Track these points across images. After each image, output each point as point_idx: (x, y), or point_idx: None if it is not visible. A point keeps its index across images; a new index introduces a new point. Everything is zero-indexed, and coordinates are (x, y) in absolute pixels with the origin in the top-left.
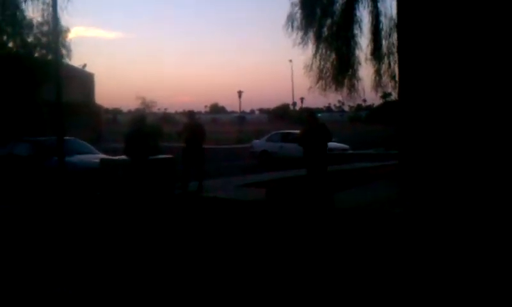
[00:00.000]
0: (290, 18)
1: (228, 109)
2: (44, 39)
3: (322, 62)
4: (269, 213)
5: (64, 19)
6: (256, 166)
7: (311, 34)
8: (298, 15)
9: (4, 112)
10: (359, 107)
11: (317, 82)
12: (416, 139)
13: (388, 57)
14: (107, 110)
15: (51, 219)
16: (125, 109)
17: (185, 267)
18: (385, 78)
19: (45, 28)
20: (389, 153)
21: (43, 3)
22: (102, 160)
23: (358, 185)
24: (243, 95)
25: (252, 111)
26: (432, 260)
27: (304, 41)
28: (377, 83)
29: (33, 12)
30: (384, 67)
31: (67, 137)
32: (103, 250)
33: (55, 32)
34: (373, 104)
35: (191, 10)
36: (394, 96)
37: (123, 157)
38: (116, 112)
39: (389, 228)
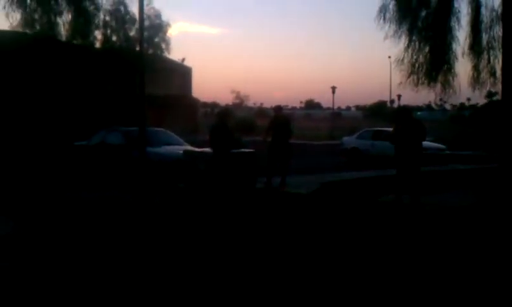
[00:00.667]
0: (383, 9)
1: (324, 105)
2: (146, 34)
3: (414, 56)
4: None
5: (167, 13)
6: (346, 164)
7: (404, 26)
8: (391, 6)
9: (106, 104)
10: (462, 106)
11: (409, 76)
12: None
13: (488, 52)
14: (204, 104)
15: (130, 210)
16: (222, 103)
17: (256, 263)
18: (484, 75)
19: (147, 23)
20: (489, 156)
21: None
22: (184, 151)
23: (451, 189)
24: (339, 91)
25: (348, 108)
26: None
27: (396, 34)
28: (475, 79)
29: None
30: (483, 62)
31: (156, 128)
32: (176, 244)
33: (141, 25)
34: (477, 104)
35: (290, 6)
36: (499, 95)
37: (207, 149)
38: (213, 106)
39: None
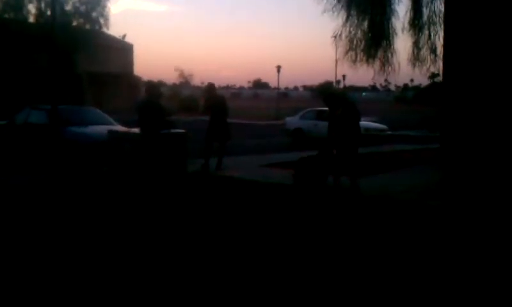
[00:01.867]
0: None
1: (272, 85)
2: (83, 8)
3: (352, 31)
4: (287, 198)
5: None
6: (289, 145)
7: (342, 0)
8: None
9: (37, 81)
10: (405, 87)
11: (347, 53)
12: (461, 120)
13: (429, 28)
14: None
15: (48, 193)
16: (168, 81)
17: (183, 257)
18: (424, 52)
19: None
20: (432, 136)
21: None
22: (109, 131)
23: (392, 169)
24: (286, 71)
25: (296, 88)
26: (471, 264)
27: (335, 8)
28: (415, 57)
29: None
30: (423, 39)
31: (84, 107)
32: (95, 233)
33: None
34: (420, 84)
35: None
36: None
37: (135, 129)
38: (159, 85)
39: (421, 222)
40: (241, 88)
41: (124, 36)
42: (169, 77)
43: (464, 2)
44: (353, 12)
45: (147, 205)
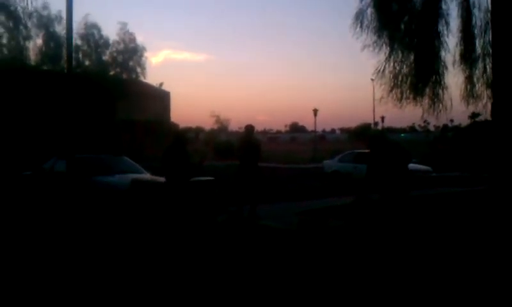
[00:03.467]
0: (360, 15)
1: (308, 128)
2: (120, 58)
3: (397, 67)
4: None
5: (153, 42)
6: (327, 188)
7: (384, 33)
8: (369, 11)
9: (80, 131)
10: (445, 127)
11: (391, 90)
12: None
13: (484, 60)
14: (189, 129)
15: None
16: (205, 127)
17: None
18: (479, 87)
19: (121, 46)
20: (477, 176)
21: (120, 22)
22: (132, 179)
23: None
24: (322, 114)
25: (333, 130)
26: None
27: (377, 43)
28: (468, 92)
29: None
30: (477, 72)
31: (113, 155)
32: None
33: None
34: (460, 124)
35: (269, 29)
36: (484, 115)
37: (160, 178)
38: (198, 130)
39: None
40: (278, 132)
41: (161, 84)
42: (207, 123)
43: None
44: (397, 46)
45: (172, 259)
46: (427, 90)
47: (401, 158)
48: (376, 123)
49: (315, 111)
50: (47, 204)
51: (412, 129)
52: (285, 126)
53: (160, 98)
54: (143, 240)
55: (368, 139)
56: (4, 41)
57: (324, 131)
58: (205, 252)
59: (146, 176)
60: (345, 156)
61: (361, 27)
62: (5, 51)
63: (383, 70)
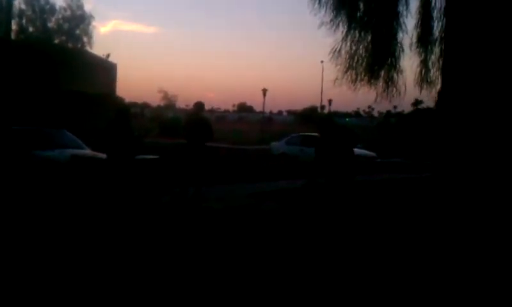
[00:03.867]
0: None
1: (257, 109)
2: (66, 26)
3: (354, 47)
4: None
5: (102, 11)
6: (275, 171)
7: (342, 12)
8: None
9: (19, 101)
10: (388, 113)
11: (346, 71)
12: (458, 149)
13: (440, 44)
14: (134, 104)
15: None
16: (152, 103)
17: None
18: (434, 72)
19: (68, 13)
20: (419, 164)
21: None
22: (72, 156)
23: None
24: (270, 96)
25: (280, 112)
26: None
27: (333, 21)
28: (423, 77)
29: None
30: (433, 57)
31: (54, 129)
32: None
33: None
34: (403, 111)
35: (221, 5)
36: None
37: (103, 154)
38: (143, 106)
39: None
40: (226, 111)
41: (108, 55)
42: (154, 99)
43: (463, 17)
44: (354, 25)
45: (108, 239)
46: (383, 73)
47: (349, 141)
48: (322, 107)
49: (264, 91)
50: None
51: (357, 114)
52: (233, 105)
53: (107, 70)
54: (80, 219)
55: (318, 122)
56: None
57: (271, 113)
58: (141, 234)
59: (87, 151)
60: (292, 138)
61: (319, 3)
62: None
63: (339, 50)
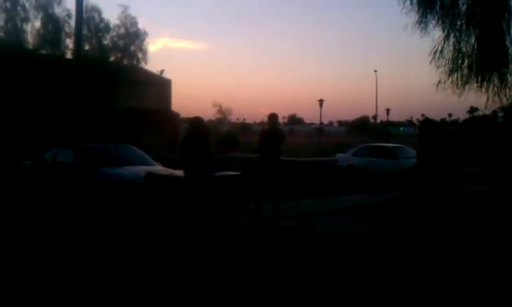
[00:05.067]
0: None
1: (306, 120)
2: (121, 43)
3: (458, 47)
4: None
5: (151, 30)
6: (343, 183)
7: (438, 9)
8: None
9: (78, 117)
10: (443, 121)
11: (450, 74)
12: None
13: None
14: (186, 119)
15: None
16: (205, 117)
17: None
18: None
19: (122, 30)
20: (495, 173)
21: (121, 5)
22: (147, 174)
23: None
24: (318, 107)
25: (330, 123)
26: None
27: (425, 19)
28: None
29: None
30: None
31: (119, 145)
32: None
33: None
34: (458, 118)
35: (269, 20)
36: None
37: (179, 171)
38: (203, 119)
39: None
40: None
41: (162, 71)
42: (207, 113)
43: None
44: (458, 22)
45: (188, 266)
46: (496, 74)
47: (454, 148)
48: (374, 116)
49: (321, 102)
50: (48, 197)
51: (410, 123)
52: (283, 117)
53: (161, 85)
54: (156, 241)
55: (420, 126)
56: (1, 22)
57: (321, 123)
58: (221, 258)
59: (159, 168)
60: (360, 149)
61: (410, 2)
62: (2, 34)
63: (441, 50)
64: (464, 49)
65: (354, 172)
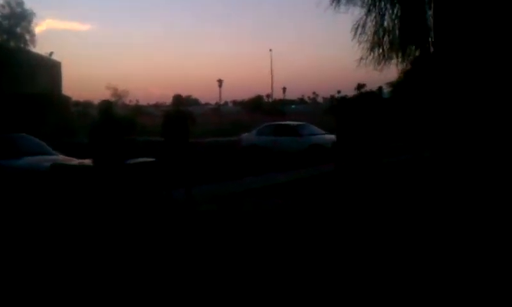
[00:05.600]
0: None
1: (202, 101)
2: (6, 23)
3: (379, 22)
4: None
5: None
6: (249, 163)
7: None
8: None
9: None
10: (332, 98)
11: (371, 50)
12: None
13: None
14: (77, 103)
15: None
16: (97, 102)
17: None
18: None
19: (6, 10)
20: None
21: None
22: (53, 165)
23: None
24: (213, 86)
25: (225, 103)
26: None
27: None
28: None
29: None
30: None
31: (16, 134)
32: None
33: None
34: (346, 95)
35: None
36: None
37: (87, 161)
38: (86, 105)
39: None
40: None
41: (51, 53)
42: (102, 96)
43: None
44: None
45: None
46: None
47: (372, 123)
48: (268, 95)
49: (220, 82)
50: None
51: (302, 101)
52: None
53: (50, 68)
54: (64, 236)
55: (334, 107)
56: None
57: (217, 103)
58: (135, 249)
59: (61, 157)
60: (263, 128)
61: None
62: None
63: (364, 25)
64: (385, 24)
65: (259, 151)
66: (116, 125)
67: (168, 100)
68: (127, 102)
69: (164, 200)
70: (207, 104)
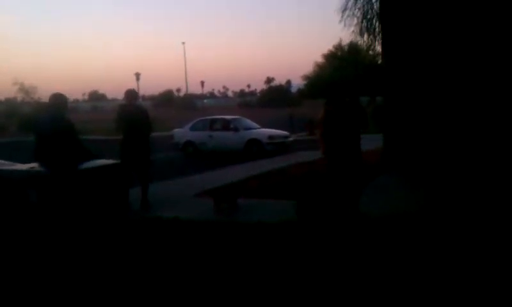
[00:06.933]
0: None
1: (109, 96)
2: None
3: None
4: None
5: None
6: (184, 161)
7: None
8: None
9: None
10: (242, 92)
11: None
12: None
13: None
14: None
15: None
16: (1, 98)
17: None
18: None
19: None
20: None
21: None
22: None
23: None
24: (121, 81)
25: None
26: None
27: None
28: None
29: None
30: None
31: None
32: None
33: None
34: (255, 89)
35: None
36: (278, 81)
37: (36, 165)
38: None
39: None
40: (76, 101)
41: None
42: (8, 92)
43: None
44: None
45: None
46: None
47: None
48: (177, 90)
49: (138, 75)
50: None
51: (212, 95)
52: (83, 94)
53: None
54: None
55: (328, 98)
56: None
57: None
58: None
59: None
60: (197, 123)
61: None
62: None
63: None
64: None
65: (193, 148)
66: (69, 123)
67: (73, 95)
68: (36, 98)
69: (118, 209)
70: (114, 100)
